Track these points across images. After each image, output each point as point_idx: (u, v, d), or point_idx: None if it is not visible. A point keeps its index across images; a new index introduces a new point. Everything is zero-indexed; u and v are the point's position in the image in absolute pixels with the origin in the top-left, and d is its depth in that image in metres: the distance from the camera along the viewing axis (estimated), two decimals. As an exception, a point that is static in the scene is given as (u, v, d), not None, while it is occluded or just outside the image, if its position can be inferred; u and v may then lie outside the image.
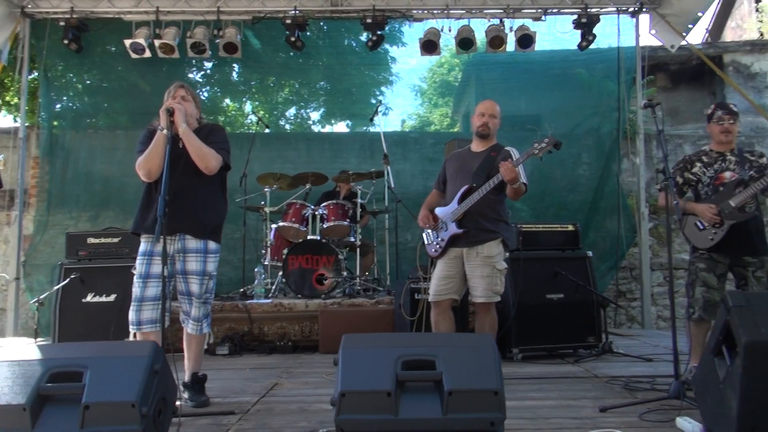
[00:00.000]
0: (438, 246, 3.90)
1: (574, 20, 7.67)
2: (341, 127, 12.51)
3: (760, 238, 3.91)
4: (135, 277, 3.27)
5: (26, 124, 8.27)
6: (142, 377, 2.40)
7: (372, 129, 10.79)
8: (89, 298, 5.18)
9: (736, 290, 3.80)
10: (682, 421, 2.82)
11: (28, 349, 2.55)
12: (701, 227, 3.91)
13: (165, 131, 3.23)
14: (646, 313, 7.54)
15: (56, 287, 5.17)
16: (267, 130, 8.29)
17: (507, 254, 4.01)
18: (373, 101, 11.52)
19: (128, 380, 2.39)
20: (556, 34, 8.13)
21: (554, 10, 7.85)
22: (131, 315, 3.22)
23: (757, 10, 12.26)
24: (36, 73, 9.13)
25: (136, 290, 3.24)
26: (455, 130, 13.79)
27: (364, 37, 9.73)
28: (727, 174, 3.95)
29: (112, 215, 8.74)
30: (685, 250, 7.65)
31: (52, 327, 5.19)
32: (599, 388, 3.83)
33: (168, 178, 3.07)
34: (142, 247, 3.32)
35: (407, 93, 14.82)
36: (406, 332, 4.72)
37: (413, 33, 8.90)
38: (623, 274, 8.99)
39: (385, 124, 11.50)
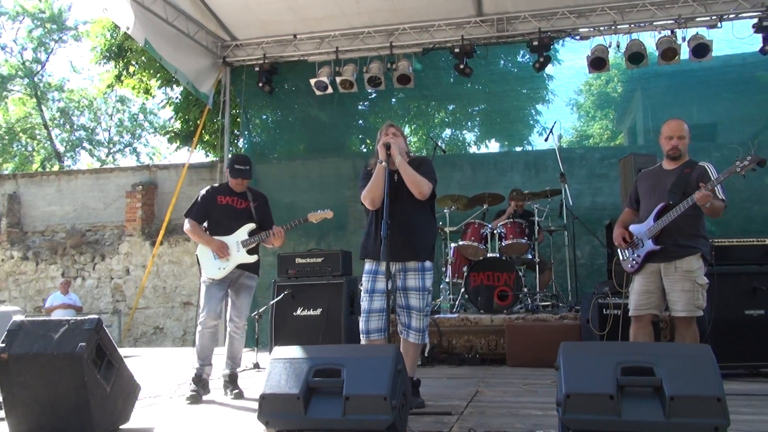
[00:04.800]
0: (634, 262, 4.02)
1: (755, 24, 7.34)
2: (494, 146, 12.75)
3: None
4: (362, 292, 3.76)
5: (215, 159, 9.42)
6: (390, 374, 2.83)
7: (529, 147, 11.00)
8: (299, 311, 5.85)
9: None
10: None
11: (294, 350, 3.08)
12: None
13: (384, 164, 3.71)
14: None
15: (272, 302, 5.90)
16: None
17: (706, 269, 4.03)
18: (530, 120, 11.72)
19: (379, 377, 2.83)
20: (732, 39, 7.81)
21: (731, 15, 7.56)
22: (361, 324, 3.70)
23: None
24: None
25: (364, 304, 3.73)
26: (617, 143, 13.47)
27: (521, 57, 9.99)
28: None
29: (296, 237, 9.65)
30: None
31: (270, 337, 5.92)
32: (818, 406, 3.71)
33: (389, 203, 3.54)
34: (367, 267, 3.81)
35: (563, 108, 14.71)
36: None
37: (566, 49, 9.03)
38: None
39: (544, 140, 11.56)
